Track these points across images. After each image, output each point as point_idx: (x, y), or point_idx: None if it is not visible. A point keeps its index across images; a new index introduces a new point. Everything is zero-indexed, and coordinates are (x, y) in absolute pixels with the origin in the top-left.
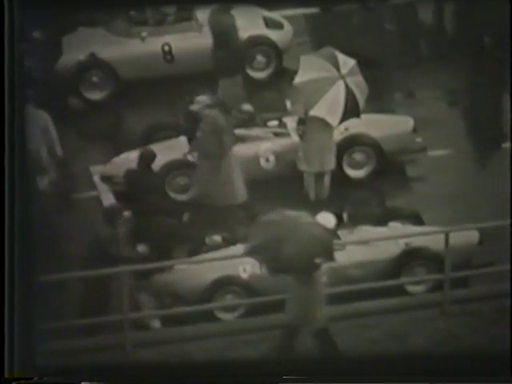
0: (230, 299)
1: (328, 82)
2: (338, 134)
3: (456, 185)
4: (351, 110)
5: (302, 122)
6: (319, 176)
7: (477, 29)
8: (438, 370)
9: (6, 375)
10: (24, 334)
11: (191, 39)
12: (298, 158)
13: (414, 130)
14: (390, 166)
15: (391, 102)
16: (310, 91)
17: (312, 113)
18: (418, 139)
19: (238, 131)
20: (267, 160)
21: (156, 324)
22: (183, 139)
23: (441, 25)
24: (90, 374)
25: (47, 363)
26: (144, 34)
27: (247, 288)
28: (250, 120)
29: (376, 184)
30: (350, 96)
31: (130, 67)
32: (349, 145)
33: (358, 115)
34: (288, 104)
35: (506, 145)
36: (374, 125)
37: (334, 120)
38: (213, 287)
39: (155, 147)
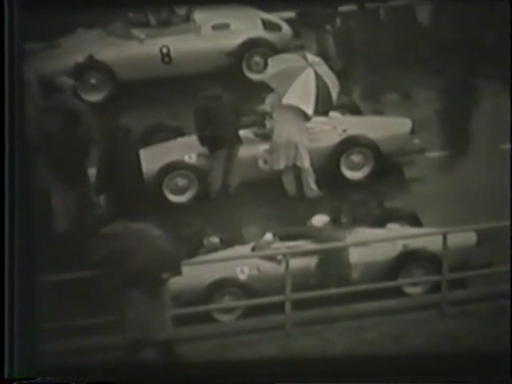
0: (228, 300)
1: (297, 70)
2: (336, 136)
3: (454, 186)
4: (324, 98)
5: (270, 116)
6: (299, 172)
7: (475, 29)
8: (437, 370)
9: (6, 375)
10: (24, 334)
11: (189, 41)
12: (268, 157)
13: (412, 132)
14: (387, 167)
15: (388, 103)
16: (279, 81)
17: (285, 100)
18: (416, 140)
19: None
20: (265, 161)
21: None
22: (181, 140)
23: (438, 25)
24: (90, 374)
25: (47, 363)
26: (142, 36)
27: (245, 289)
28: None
29: (374, 185)
30: (320, 83)
31: (128, 69)
32: (347, 146)
33: (331, 105)
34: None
35: (505, 146)
36: (372, 126)
37: (307, 107)
38: (211, 289)
39: (153, 149)
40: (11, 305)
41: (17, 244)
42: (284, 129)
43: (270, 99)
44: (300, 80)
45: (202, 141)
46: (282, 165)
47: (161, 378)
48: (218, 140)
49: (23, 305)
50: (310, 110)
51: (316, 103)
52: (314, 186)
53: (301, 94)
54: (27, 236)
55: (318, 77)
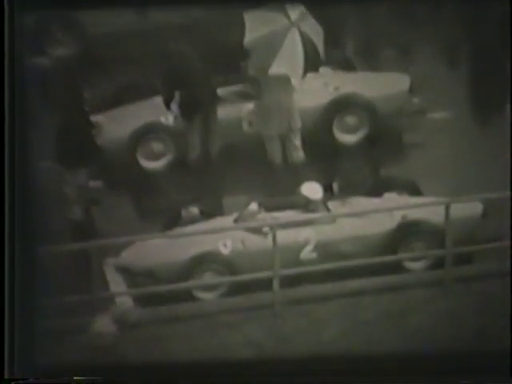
0: (209, 277)
1: (280, 35)
2: (328, 95)
3: (458, 151)
4: (312, 58)
5: (256, 82)
6: (285, 138)
7: None
8: (437, 369)
9: (6, 375)
10: (24, 335)
11: None
12: (256, 122)
13: (411, 90)
14: (384, 130)
15: (384, 59)
16: (263, 49)
17: (272, 71)
18: (416, 100)
19: (221, 91)
20: (250, 124)
21: (128, 304)
22: (157, 100)
23: None
24: (90, 374)
25: (47, 363)
26: None
27: (228, 265)
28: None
29: (369, 150)
30: (307, 43)
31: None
32: (339, 106)
33: (319, 61)
34: (243, 66)
35: None
36: (367, 83)
37: (296, 73)
38: (191, 264)
39: (125, 109)
40: (11, 304)
41: (17, 243)
42: (273, 93)
43: (254, 62)
44: (285, 47)
45: (168, 103)
46: (274, 131)
47: (161, 378)
48: (192, 100)
49: (23, 304)
50: (299, 77)
51: (305, 67)
52: (300, 152)
53: (288, 62)
54: (27, 235)
55: (303, 36)
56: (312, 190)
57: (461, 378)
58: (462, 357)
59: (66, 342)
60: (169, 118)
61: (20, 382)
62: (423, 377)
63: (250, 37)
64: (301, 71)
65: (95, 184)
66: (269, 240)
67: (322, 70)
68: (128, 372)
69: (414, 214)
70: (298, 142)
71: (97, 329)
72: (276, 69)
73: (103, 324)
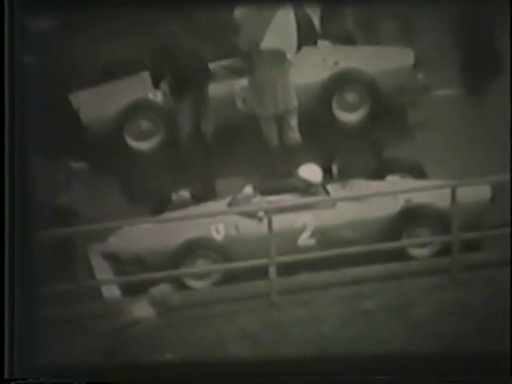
0: (201, 264)
1: (271, 6)
2: (326, 70)
3: (465, 131)
4: (307, 30)
5: (248, 57)
6: (281, 118)
7: None
8: (437, 369)
9: (6, 375)
10: (24, 334)
11: None
12: (250, 100)
13: (415, 65)
14: (387, 108)
15: (386, 32)
16: (253, 21)
17: (264, 45)
18: (420, 76)
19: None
20: (244, 101)
21: (115, 293)
22: (145, 75)
23: None
24: (90, 374)
25: (47, 363)
26: None
27: (221, 251)
28: None
29: (371, 130)
30: (300, 15)
31: None
32: (339, 83)
33: (316, 36)
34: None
35: None
36: (368, 58)
37: (289, 47)
38: (181, 251)
39: (112, 86)
40: (11, 304)
41: (16, 244)
42: (267, 69)
43: (245, 37)
44: (277, 19)
45: (157, 80)
46: (269, 111)
47: (161, 378)
48: (182, 76)
49: (23, 304)
50: (292, 51)
51: (299, 41)
52: (297, 133)
53: (280, 35)
54: (27, 236)
55: (296, 8)
56: (311, 172)
57: (461, 378)
58: (462, 357)
59: (66, 341)
60: (157, 95)
61: (20, 382)
62: (423, 377)
63: (239, 9)
64: (294, 45)
65: (79, 166)
66: (264, 225)
67: (320, 43)
68: (128, 372)
69: (419, 198)
70: (294, 122)
71: (135, 314)
72: (268, 43)
73: (141, 309)
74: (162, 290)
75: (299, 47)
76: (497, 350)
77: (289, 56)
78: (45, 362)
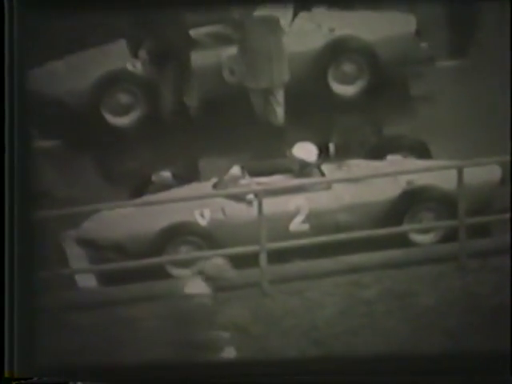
0: (185, 251)
1: None
2: (321, 38)
3: (472, 106)
4: None
5: (239, 24)
6: (267, 93)
7: None
8: (436, 369)
9: (6, 375)
10: (24, 334)
11: None
12: (240, 71)
13: (418, 33)
14: (387, 80)
15: None
16: None
17: (257, 12)
18: (423, 44)
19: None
20: (232, 72)
21: (91, 282)
22: (124, 43)
23: None
24: (90, 374)
25: (47, 363)
26: None
27: (207, 237)
28: None
29: (370, 104)
30: None
31: None
32: (335, 52)
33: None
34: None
35: None
36: (367, 25)
37: (284, 15)
38: (163, 236)
39: (86, 55)
40: (11, 304)
41: (16, 241)
42: (259, 37)
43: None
44: None
45: (135, 49)
46: (262, 84)
47: (161, 378)
48: (162, 44)
49: (23, 304)
50: (288, 18)
51: (295, 9)
52: (280, 113)
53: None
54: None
55: None
56: (306, 151)
57: (461, 378)
58: (462, 357)
59: (66, 341)
60: (136, 65)
61: (20, 381)
62: (423, 378)
63: None
64: (290, 16)
65: (47, 144)
66: (254, 209)
67: (315, 9)
68: (128, 372)
69: (422, 180)
70: (280, 97)
71: (188, 290)
72: (261, 11)
73: (195, 285)
74: (215, 264)
75: (295, 13)
76: (497, 348)
77: (282, 22)
78: (45, 362)
